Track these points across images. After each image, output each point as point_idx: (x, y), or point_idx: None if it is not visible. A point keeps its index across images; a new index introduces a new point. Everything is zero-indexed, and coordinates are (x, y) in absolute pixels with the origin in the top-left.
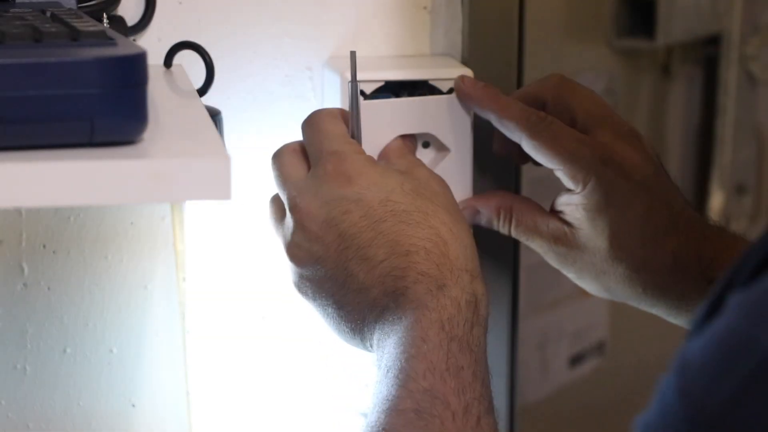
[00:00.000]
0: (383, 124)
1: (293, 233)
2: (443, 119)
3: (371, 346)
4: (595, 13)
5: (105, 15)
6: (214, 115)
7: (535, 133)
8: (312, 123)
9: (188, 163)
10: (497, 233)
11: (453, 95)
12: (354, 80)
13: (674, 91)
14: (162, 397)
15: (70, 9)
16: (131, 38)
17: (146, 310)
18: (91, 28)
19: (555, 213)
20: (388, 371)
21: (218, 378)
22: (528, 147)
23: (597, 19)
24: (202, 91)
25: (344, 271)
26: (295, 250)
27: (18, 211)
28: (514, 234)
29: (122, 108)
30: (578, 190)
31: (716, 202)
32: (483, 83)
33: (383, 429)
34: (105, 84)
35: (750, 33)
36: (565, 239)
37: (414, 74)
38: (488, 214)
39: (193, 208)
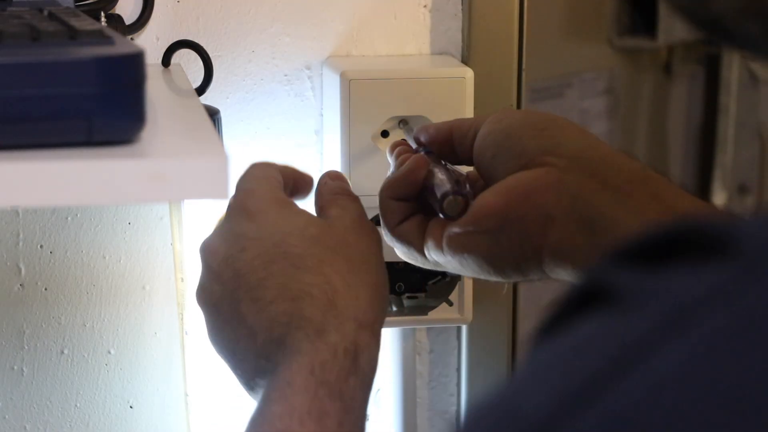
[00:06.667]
0: (374, 105)
1: (200, 275)
2: (437, 103)
3: None
4: (595, 12)
5: (103, 13)
6: (213, 114)
7: None
8: (245, 170)
9: (186, 163)
10: None
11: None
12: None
13: (676, 91)
14: (160, 398)
15: (67, 7)
16: (129, 37)
17: (144, 311)
18: (89, 27)
19: None
20: (250, 419)
21: (217, 379)
22: None
23: (597, 18)
24: (201, 91)
25: (236, 313)
26: (199, 292)
27: (15, 211)
28: None
29: (120, 107)
30: None
31: (718, 202)
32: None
33: None
34: (103, 83)
35: None
36: None
37: (414, 73)
38: None
39: (191, 208)
